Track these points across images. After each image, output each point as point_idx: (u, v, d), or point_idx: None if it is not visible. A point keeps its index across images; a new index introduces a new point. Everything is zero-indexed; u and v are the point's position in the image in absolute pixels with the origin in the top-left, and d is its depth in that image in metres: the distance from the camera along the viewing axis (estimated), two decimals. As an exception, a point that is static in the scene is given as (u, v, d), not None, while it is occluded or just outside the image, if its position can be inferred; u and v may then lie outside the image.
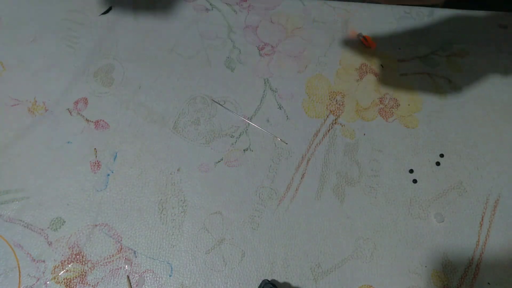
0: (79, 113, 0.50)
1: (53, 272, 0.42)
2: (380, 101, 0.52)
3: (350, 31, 0.53)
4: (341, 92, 0.52)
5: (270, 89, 0.52)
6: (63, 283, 0.42)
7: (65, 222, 0.44)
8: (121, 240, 0.44)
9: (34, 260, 0.42)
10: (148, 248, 0.43)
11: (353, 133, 0.50)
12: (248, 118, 0.50)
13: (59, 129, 0.49)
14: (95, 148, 0.48)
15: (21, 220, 0.44)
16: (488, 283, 0.42)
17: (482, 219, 0.46)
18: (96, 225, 0.44)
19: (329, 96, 0.52)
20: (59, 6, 0.57)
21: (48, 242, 0.43)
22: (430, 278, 0.43)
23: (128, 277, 0.42)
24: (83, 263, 0.43)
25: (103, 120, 0.50)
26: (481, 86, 0.53)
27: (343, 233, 0.45)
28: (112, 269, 0.42)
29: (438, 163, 0.48)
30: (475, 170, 0.48)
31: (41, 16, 0.56)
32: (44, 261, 0.42)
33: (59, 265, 0.42)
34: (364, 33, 0.56)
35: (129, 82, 0.52)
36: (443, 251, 0.44)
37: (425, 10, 0.59)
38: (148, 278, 0.42)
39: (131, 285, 0.42)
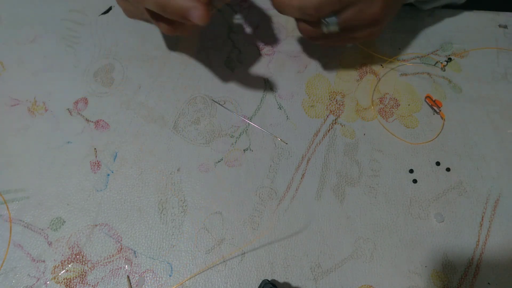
0: (79, 113, 0.50)
1: (53, 272, 0.42)
2: (380, 101, 0.52)
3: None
4: (341, 92, 0.52)
5: (270, 89, 0.52)
6: (63, 283, 0.42)
7: (65, 222, 0.44)
8: (121, 240, 0.44)
9: (34, 260, 0.42)
10: (148, 248, 0.43)
11: (353, 133, 0.50)
12: (248, 118, 0.50)
13: (59, 129, 0.49)
14: (95, 148, 0.48)
15: (21, 220, 0.44)
16: (488, 283, 0.42)
17: (482, 219, 0.46)
18: (96, 225, 0.44)
19: (329, 96, 0.52)
20: (59, 6, 0.57)
21: (48, 242, 0.43)
22: (430, 278, 0.43)
23: (128, 277, 0.42)
24: (83, 263, 0.43)
25: (103, 120, 0.50)
26: (481, 86, 0.53)
27: (343, 233, 0.45)
28: (112, 269, 0.42)
29: (438, 163, 0.48)
30: (475, 170, 0.48)
31: (41, 16, 0.56)
32: (44, 261, 0.42)
33: (59, 265, 0.42)
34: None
35: (129, 82, 0.52)
36: (443, 251, 0.44)
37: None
38: (148, 278, 0.42)
39: (131, 285, 0.42)
